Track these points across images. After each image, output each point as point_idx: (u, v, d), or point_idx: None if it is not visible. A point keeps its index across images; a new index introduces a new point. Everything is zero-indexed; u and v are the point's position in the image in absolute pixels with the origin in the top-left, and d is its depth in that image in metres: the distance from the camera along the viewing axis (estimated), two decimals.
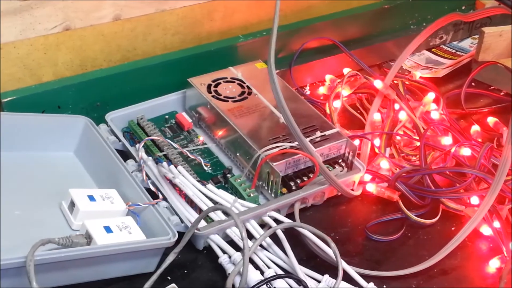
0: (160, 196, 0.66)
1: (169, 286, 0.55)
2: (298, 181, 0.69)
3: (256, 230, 0.65)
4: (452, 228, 0.69)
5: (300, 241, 0.65)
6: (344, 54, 0.89)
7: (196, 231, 0.63)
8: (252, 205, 0.67)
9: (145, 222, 0.63)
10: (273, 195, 0.69)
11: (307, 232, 0.63)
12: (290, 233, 0.64)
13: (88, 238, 0.59)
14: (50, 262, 0.55)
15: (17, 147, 0.69)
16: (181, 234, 0.62)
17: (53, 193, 0.65)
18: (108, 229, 0.60)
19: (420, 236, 0.69)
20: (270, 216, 0.66)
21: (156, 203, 0.64)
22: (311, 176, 0.69)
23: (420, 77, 0.89)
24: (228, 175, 0.72)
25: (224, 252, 0.63)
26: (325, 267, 0.62)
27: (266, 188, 0.69)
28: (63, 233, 0.58)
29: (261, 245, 0.63)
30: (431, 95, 0.83)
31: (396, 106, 0.81)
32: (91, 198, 0.63)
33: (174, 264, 0.62)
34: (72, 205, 0.63)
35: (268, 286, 0.58)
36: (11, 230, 0.60)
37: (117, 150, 0.71)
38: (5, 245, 0.57)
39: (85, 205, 0.62)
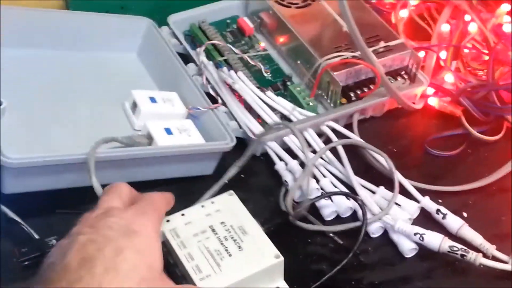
0: (220, 101, 0.67)
1: (227, 193, 0.56)
2: (358, 92, 0.68)
3: (314, 139, 0.65)
4: None
5: (357, 153, 0.64)
6: None
7: (253, 137, 0.63)
8: (311, 114, 0.67)
9: (204, 126, 0.64)
10: (332, 105, 0.68)
11: (364, 145, 0.63)
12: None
13: (149, 139, 0.60)
14: (111, 160, 0.56)
15: (81, 47, 0.70)
16: (239, 140, 0.63)
17: (116, 93, 0.66)
18: (168, 131, 0.61)
19: (481, 153, 0.67)
20: (328, 126, 0.66)
21: (216, 108, 0.65)
22: (372, 88, 0.68)
23: None
24: (288, 83, 0.71)
25: (281, 159, 0.63)
26: (381, 179, 0.62)
27: (325, 97, 0.69)
28: (125, 133, 0.59)
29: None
30: (505, 7, 0.79)
31: (467, 17, 0.77)
32: (153, 100, 0.64)
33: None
34: (134, 105, 0.64)
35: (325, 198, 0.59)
36: (75, 128, 0.62)
37: (178, 53, 0.71)
38: (70, 143, 0.59)
39: (147, 107, 0.63)
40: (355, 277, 0.55)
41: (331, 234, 0.58)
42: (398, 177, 0.59)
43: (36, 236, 0.54)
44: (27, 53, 0.66)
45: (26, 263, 0.52)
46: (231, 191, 0.56)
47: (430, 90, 0.71)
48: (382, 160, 0.61)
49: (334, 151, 0.63)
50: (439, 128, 0.70)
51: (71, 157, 0.55)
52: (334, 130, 0.66)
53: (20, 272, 0.50)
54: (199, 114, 0.65)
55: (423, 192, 0.61)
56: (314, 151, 0.63)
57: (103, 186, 0.54)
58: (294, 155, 0.63)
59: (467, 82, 0.72)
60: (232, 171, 0.61)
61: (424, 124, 0.70)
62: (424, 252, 0.57)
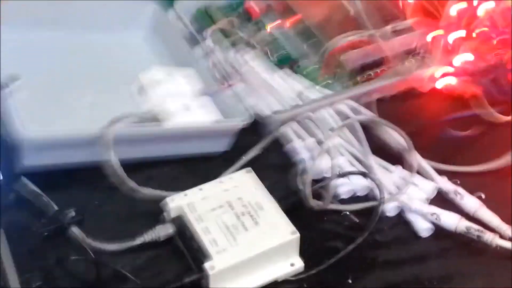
0: (238, 77, 0.66)
1: (244, 170, 0.56)
2: (371, 73, 0.68)
3: (331, 117, 0.64)
4: None
5: (375, 132, 0.64)
6: None
7: (268, 116, 0.63)
8: (329, 92, 0.66)
9: (221, 103, 0.64)
10: (344, 85, 0.68)
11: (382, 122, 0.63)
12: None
13: (166, 115, 0.60)
14: (128, 136, 0.56)
15: (88, 30, 0.69)
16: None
17: (125, 75, 0.65)
18: (184, 108, 0.61)
19: (498, 133, 0.66)
20: (346, 104, 0.65)
21: (233, 85, 0.64)
22: (384, 69, 0.68)
23: None
24: (296, 66, 0.70)
25: (298, 136, 0.63)
26: (399, 158, 0.62)
27: (334, 80, 0.68)
28: (143, 109, 0.59)
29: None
30: None
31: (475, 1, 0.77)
32: (166, 78, 0.64)
33: (245, 146, 0.63)
34: (152, 81, 0.63)
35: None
36: (93, 102, 0.61)
37: (185, 37, 0.71)
38: (87, 116, 0.59)
39: (165, 83, 0.63)
40: (370, 255, 0.55)
41: (347, 213, 0.58)
42: (416, 156, 0.59)
43: (55, 208, 0.54)
44: (33, 35, 0.66)
45: (46, 234, 0.52)
46: (249, 168, 0.56)
47: (444, 71, 0.71)
48: (400, 139, 0.61)
49: (351, 130, 0.63)
50: (455, 108, 0.69)
51: (90, 132, 0.55)
52: (352, 109, 0.65)
53: (39, 243, 0.50)
54: (215, 93, 0.65)
55: (440, 172, 0.61)
56: (331, 129, 0.63)
57: (121, 161, 0.54)
58: (310, 133, 0.63)
59: (478, 64, 0.71)
60: (253, 152, 0.61)
61: (440, 105, 0.70)
62: (440, 232, 0.56)
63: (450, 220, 0.55)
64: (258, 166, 0.61)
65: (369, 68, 0.68)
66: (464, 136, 0.66)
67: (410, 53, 0.70)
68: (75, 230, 0.53)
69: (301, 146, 0.62)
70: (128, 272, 0.49)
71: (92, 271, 0.51)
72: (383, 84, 0.68)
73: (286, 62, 0.72)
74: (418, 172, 0.59)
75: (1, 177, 0.51)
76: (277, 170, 0.62)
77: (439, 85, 0.71)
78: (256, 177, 0.56)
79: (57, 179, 0.58)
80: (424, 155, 0.62)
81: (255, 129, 0.63)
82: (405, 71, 0.67)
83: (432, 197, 0.59)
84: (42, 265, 0.48)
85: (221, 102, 0.64)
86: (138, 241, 0.52)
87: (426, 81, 0.70)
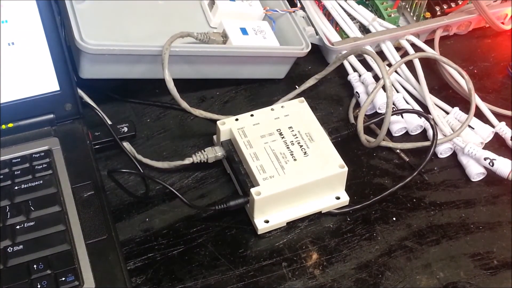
0: (298, 4, 0.65)
1: (297, 99, 0.56)
2: (445, 7, 0.65)
3: (391, 53, 0.63)
4: None
5: (435, 69, 0.62)
6: None
7: (329, 44, 0.62)
8: (391, 26, 0.64)
9: (280, 29, 0.63)
10: (415, 18, 0.66)
11: (444, 61, 0.61)
12: (426, 59, 0.62)
13: (224, 37, 0.60)
14: (185, 55, 0.57)
15: None
16: (314, 46, 0.61)
17: None
18: (244, 31, 0.60)
19: None
20: (407, 40, 0.64)
21: (294, 11, 0.63)
22: (460, 3, 0.65)
23: None
24: None
25: (354, 69, 0.62)
26: (457, 100, 0.60)
27: (408, 10, 0.66)
28: (201, 29, 0.59)
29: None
30: None
31: None
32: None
33: (303, 75, 0.63)
34: (212, 2, 0.63)
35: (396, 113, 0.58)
36: (152, 21, 0.61)
37: None
38: (146, 35, 0.59)
39: (225, 4, 0.62)
40: (417, 195, 0.55)
41: (398, 151, 0.57)
42: (476, 99, 0.57)
43: (109, 122, 0.56)
44: None
45: (97, 146, 0.54)
46: (302, 98, 0.56)
47: None
48: (461, 79, 0.59)
49: (411, 67, 0.61)
50: None
51: (147, 48, 0.55)
52: (413, 45, 0.63)
53: (91, 154, 0.52)
54: (277, 16, 0.64)
55: (500, 117, 0.59)
56: (389, 65, 0.62)
57: (175, 80, 0.54)
58: (368, 67, 0.62)
59: None
60: (308, 82, 0.61)
61: (509, 48, 0.67)
62: (492, 178, 0.55)
63: (504, 166, 0.54)
64: (312, 97, 0.61)
65: (449, 0, 0.66)
66: None
67: None
68: (126, 145, 0.55)
69: (356, 80, 0.61)
70: (175, 190, 0.50)
71: (141, 186, 0.53)
72: (454, 21, 0.65)
73: None
74: (477, 115, 0.58)
75: (59, 89, 0.53)
76: (331, 102, 0.62)
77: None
78: (309, 107, 0.55)
79: (111, 93, 0.59)
80: (484, 98, 0.59)
81: (311, 59, 0.62)
82: (487, 6, 0.63)
83: (487, 141, 0.58)
84: (94, 176, 0.50)
85: (282, 27, 0.63)
86: (187, 161, 0.53)
87: (508, 19, 0.67)
